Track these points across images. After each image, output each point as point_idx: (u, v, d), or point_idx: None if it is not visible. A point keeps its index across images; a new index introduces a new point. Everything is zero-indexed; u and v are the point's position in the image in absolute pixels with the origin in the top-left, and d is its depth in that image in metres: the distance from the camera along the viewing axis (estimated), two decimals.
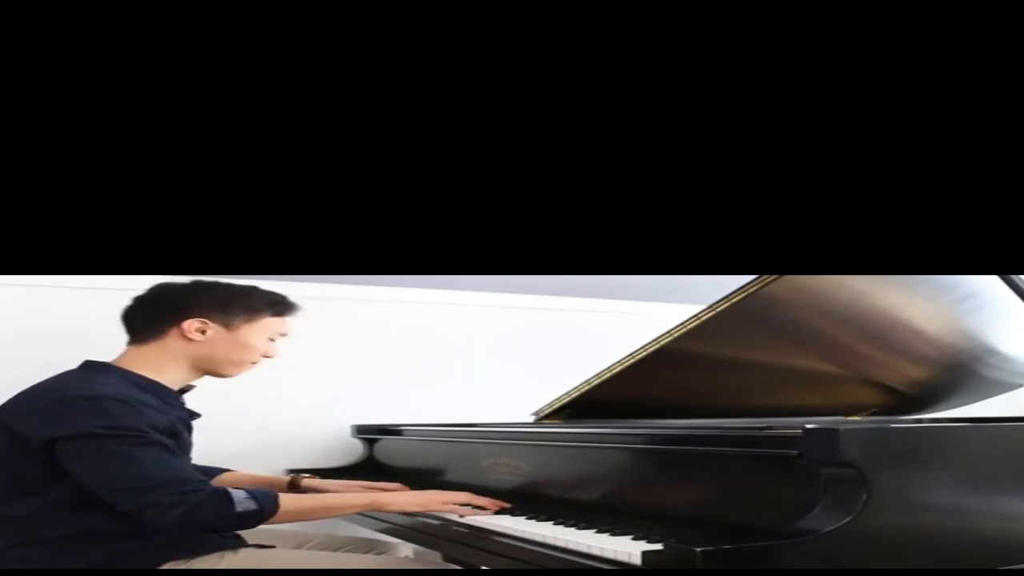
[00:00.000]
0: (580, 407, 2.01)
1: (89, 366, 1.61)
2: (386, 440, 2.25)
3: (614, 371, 1.88)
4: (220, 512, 1.44)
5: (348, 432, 2.33)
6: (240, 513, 1.45)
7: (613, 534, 1.28)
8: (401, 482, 2.00)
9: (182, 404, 1.68)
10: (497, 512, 1.56)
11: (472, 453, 1.84)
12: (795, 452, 1.16)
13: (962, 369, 2.07)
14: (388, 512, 1.72)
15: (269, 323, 1.72)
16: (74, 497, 1.46)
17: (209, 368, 1.69)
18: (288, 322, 1.77)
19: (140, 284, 2.19)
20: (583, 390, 1.97)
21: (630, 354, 1.85)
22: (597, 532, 1.30)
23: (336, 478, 2.09)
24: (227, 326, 1.67)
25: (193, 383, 1.72)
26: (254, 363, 1.74)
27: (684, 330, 1.73)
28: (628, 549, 1.16)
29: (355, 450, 2.34)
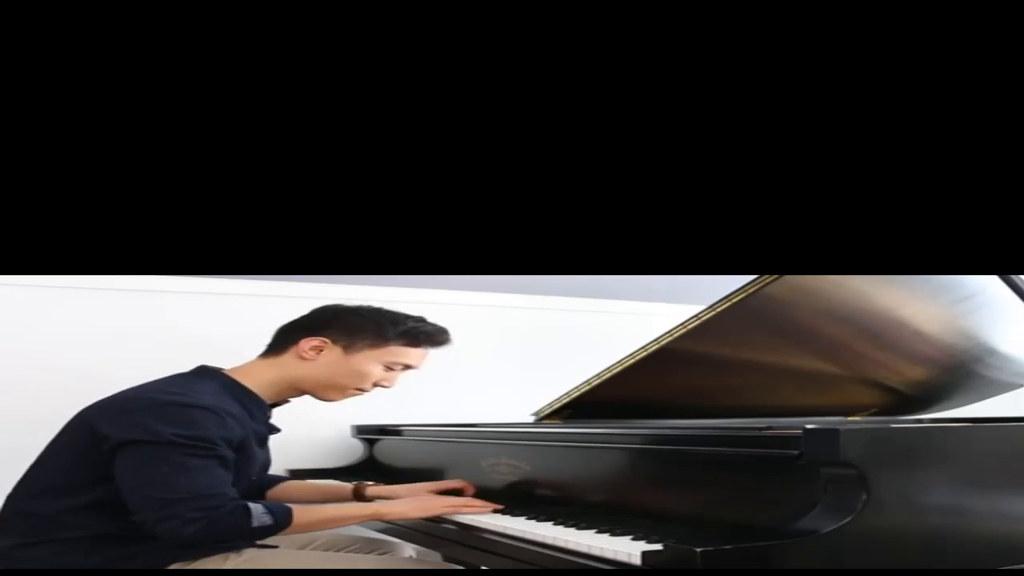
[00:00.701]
0: (580, 407, 2.01)
1: (200, 371, 1.64)
2: (386, 440, 2.25)
3: (614, 371, 1.88)
4: (237, 527, 1.45)
5: (348, 432, 2.33)
6: (256, 528, 1.46)
7: (613, 534, 1.28)
8: (403, 483, 2.01)
9: (268, 418, 1.69)
10: (497, 512, 1.56)
11: (472, 453, 1.84)
12: (795, 452, 1.16)
13: (962, 369, 2.07)
14: (391, 520, 1.74)
15: (396, 351, 1.72)
16: (98, 502, 1.47)
17: (311, 389, 1.71)
18: (423, 353, 1.76)
19: (140, 284, 2.21)
20: (583, 390, 1.97)
21: (630, 354, 1.85)
22: (597, 532, 1.30)
23: (336, 478, 2.10)
24: (347, 349, 1.67)
25: (290, 399, 1.74)
26: (361, 390, 1.74)
27: (684, 330, 1.73)
28: (628, 549, 1.16)
29: (355, 450, 2.34)
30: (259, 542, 1.63)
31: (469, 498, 1.65)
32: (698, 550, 1.03)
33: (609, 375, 1.89)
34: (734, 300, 1.64)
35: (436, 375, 2.48)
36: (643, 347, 1.82)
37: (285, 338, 1.71)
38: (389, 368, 1.73)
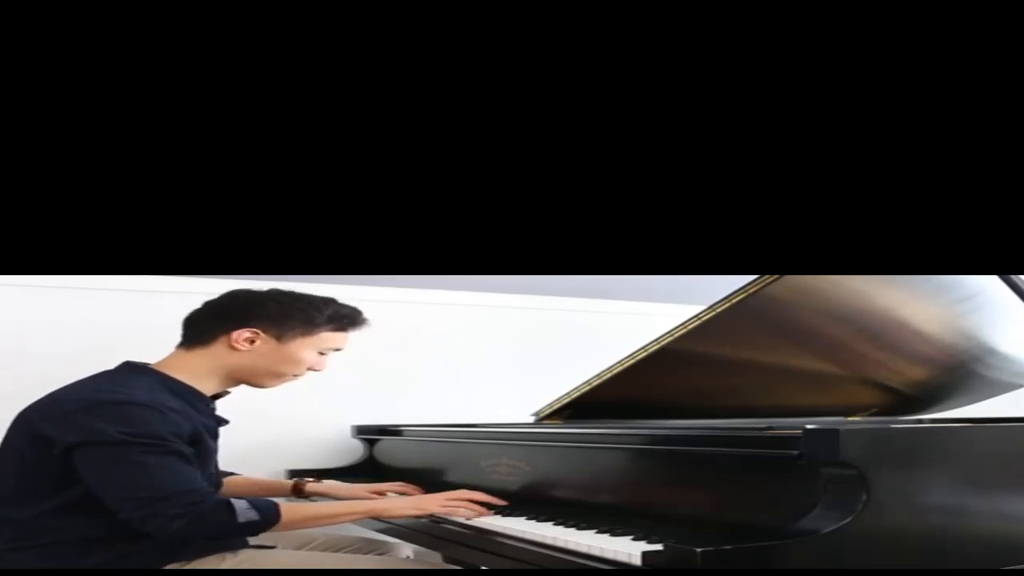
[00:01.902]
0: (580, 407, 2.01)
1: (127, 368, 1.61)
2: (386, 440, 2.25)
3: (614, 371, 1.88)
4: (223, 523, 1.44)
5: (348, 432, 2.33)
6: (243, 524, 1.45)
7: (613, 534, 1.28)
8: (402, 482, 2.01)
9: (212, 411, 1.67)
10: (497, 512, 1.56)
11: (472, 453, 1.84)
12: (795, 452, 1.16)
13: (962, 369, 2.07)
14: (387, 518, 1.73)
15: (326, 337, 1.71)
16: (76, 503, 1.46)
17: (247, 378, 1.69)
18: (348, 337, 1.76)
19: (140, 284, 2.21)
20: (583, 390, 1.97)
21: (630, 354, 1.85)
22: (597, 532, 1.30)
23: (336, 478, 2.10)
24: (279, 338, 1.66)
25: (229, 390, 1.72)
26: (296, 376, 1.73)
27: (684, 330, 1.73)
28: (628, 549, 1.16)
29: (355, 450, 2.34)
30: (256, 542, 1.63)
31: (466, 491, 1.65)
32: (698, 550, 1.03)
33: (609, 375, 1.89)
34: (734, 300, 1.64)
35: (436, 375, 2.49)
36: (643, 347, 1.82)
37: (205, 329, 1.65)
38: (322, 353, 1.73)
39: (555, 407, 2.04)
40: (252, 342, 1.64)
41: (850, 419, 2.23)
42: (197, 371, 1.63)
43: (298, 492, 1.94)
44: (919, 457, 1.19)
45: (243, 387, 1.97)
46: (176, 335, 2.30)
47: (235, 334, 1.63)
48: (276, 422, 2.27)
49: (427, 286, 2.49)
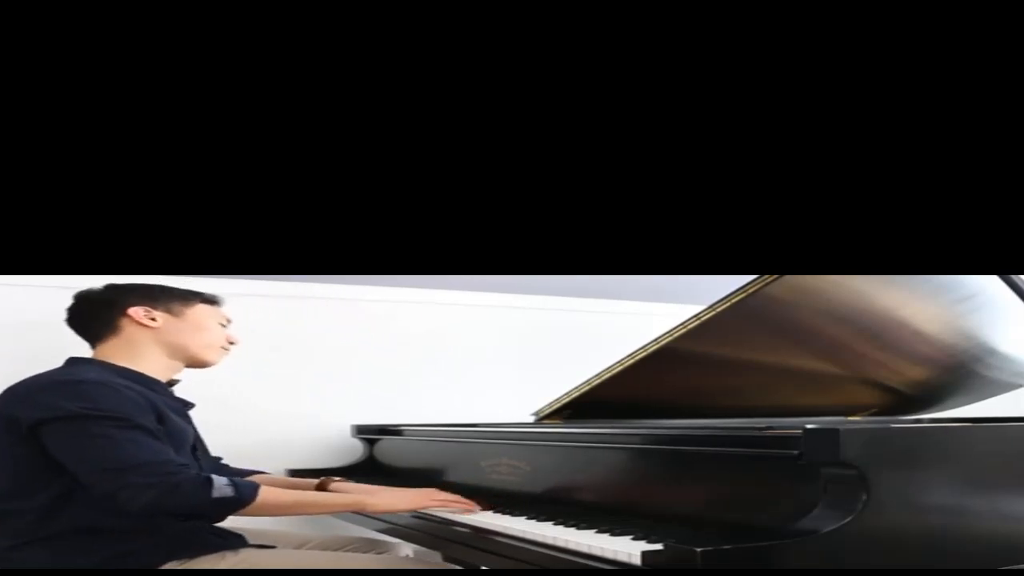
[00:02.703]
0: (580, 407, 2.01)
1: (74, 361, 1.64)
2: (386, 440, 2.25)
3: (614, 371, 1.88)
4: (197, 497, 1.43)
5: (348, 432, 2.33)
6: (217, 499, 1.43)
7: (613, 534, 1.28)
8: (402, 482, 2.00)
9: (170, 393, 1.68)
10: (497, 511, 1.56)
11: (472, 453, 1.84)
12: (795, 452, 1.16)
13: (962, 369, 2.07)
14: (374, 513, 1.72)
15: (206, 310, 1.75)
16: (70, 493, 1.46)
17: (183, 355, 1.71)
18: (225, 311, 1.80)
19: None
20: (583, 390, 1.97)
21: (630, 354, 1.85)
22: (597, 532, 1.30)
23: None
24: (169, 311, 1.69)
25: (177, 377, 1.73)
26: (224, 348, 1.76)
27: (684, 330, 1.73)
28: (628, 549, 1.16)
29: (355, 450, 2.34)
30: (256, 542, 1.63)
31: (457, 496, 1.64)
32: (698, 550, 1.03)
33: (609, 375, 1.89)
34: (734, 300, 1.64)
35: (436, 375, 2.49)
36: (643, 347, 1.82)
37: (101, 319, 1.67)
38: (221, 324, 1.77)
39: (555, 407, 2.04)
40: (152, 319, 1.66)
41: (850, 419, 2.23)
42: (129, 355, 1.64)
43: (322, 489, 1.92)
44: (919, 457, 1.19)
45: (243, 387, 1.98)
46: None
47: (131, 311, 1.65)
48: (276, 422, 2.28)
49: (427, 286, 2.49)
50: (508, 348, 2.61)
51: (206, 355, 1.74)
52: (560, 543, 1.28)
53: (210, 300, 1.78)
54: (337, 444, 2.34)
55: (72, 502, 1.47)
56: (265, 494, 1.49)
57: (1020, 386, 2.23)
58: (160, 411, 1.55)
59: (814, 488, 1.15)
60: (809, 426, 1.15)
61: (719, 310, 1.66)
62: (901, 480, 1.16)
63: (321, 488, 1.88)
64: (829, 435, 1.12)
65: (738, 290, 1.64)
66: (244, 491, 1.46)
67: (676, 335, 1.75)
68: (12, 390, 1.54)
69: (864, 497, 1.11)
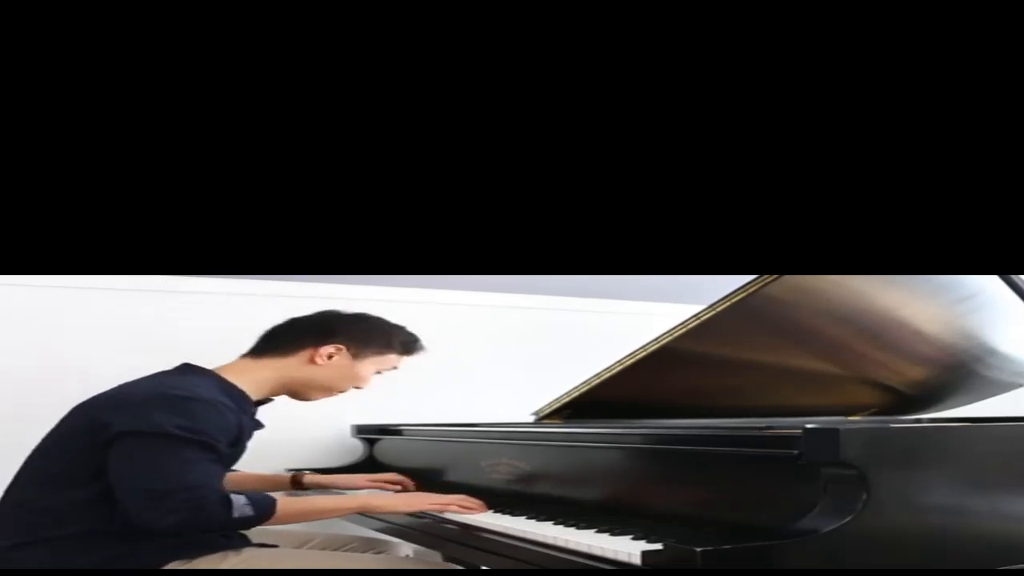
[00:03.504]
0: (580, 407, 2.01)
1: (189, 369, 1.65)
2: (386, 440, 2.25)
3: (614, 371, 1.88)
4: (218, 518, 1.45)
5: (348, 432, 2.33)
6: (236, 519, 1.46)
7: (613, 534, 1.28)
8: (394, 473, 2.01)
9: (254, 414, 1.71)
10: (497, 511, 1.56)
11: (472, 453, 1.84)
12: (795, 452, 1.16)
13: (962, 369, 2.07)
14: (379, 514, 1.76)
15: (391, 359, 1.79)
16: (101, 494, 1.47)
17: (301, 391, 1.74)
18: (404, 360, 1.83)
19: (140, 284, 2.21)
20: (583, 390, 1.97)
21: (630, 354, 1.85)
22: (597, 532, 1.30)
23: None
24: (355, 355, 1.73)
25: (272, 397, 1.76)
26: (342, 391, 1.79)
27: (684, 330, 1.73)
28: (628, 549, 1.16)
29: (355, 450, 2.34)
30: (258, 541, 1.64)
31: (461, 496, 1.65)
32: (698, 550, 1.03)
33: (609, 375, 1.89)
34: (734, 300, 1.64)
35: (436, 375, 2.49)
36: (643, 347, 1.82)
37: (287, 340, 1.72)
38: (378, 372, 1.79)
39: (555, 407, 2.04)
40: (331, 357, 1.70)
41: (850, 419, 2.22)
42: (255, 377, 1.68)
43: (296, 484, 1.97)
44: (919, 457, 1.19)
45: None
46: (176, 334, 2.30)
47: (323, 348, 1.70)
48: (276, 422, 2.26)
49: (427, 286, 2.49)
50: (508, 348, 2.60)
51: (315, 396, 1.77)
52: (560, 543, 1.28)
53: (410, 351, 1.81)
54: (337, 444, 2.34)
55: (93, 506, 1.47)
56: (281, 506, 1.52)
57: (1020, 386, 2.23)
58: (240, 434, 1.58)
59: (814, 488, 1.15)
60: (809, 426, 1.15)
61: (719, 310, 1.66)
62: (901, 480, 1.16)
63: (295, 482, 1.96)
64: (829, 435, 1.12)
65: (738, 290, 1.64)
66: (261, 509, 1.49)
67: (676, 335, 1.75)
68: (113, 397, 1.55)
69: (864, 497, 1.11)
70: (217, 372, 1.66)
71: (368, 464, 2.28)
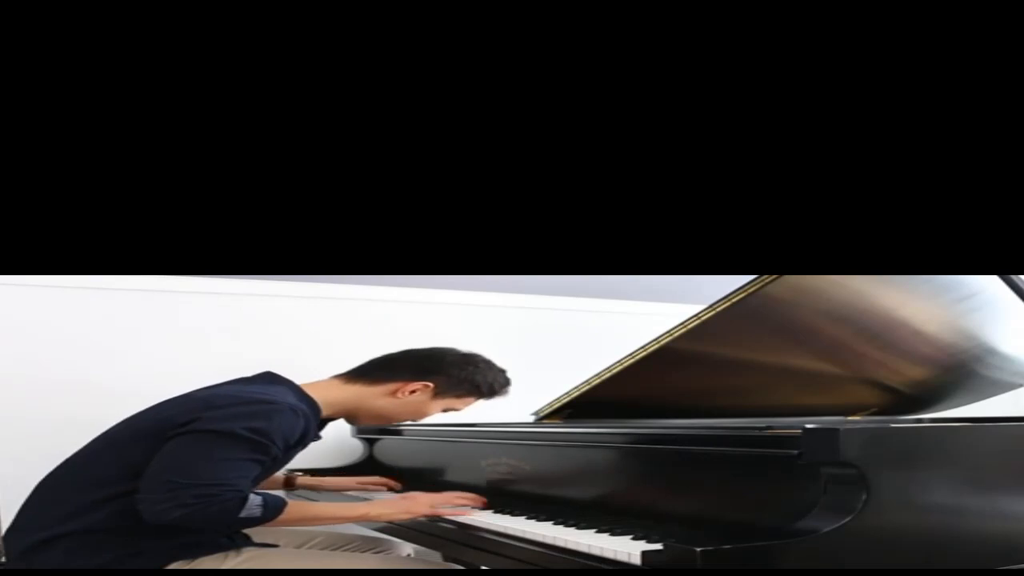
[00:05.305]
0: (580, 407, 2.01)
1: (272, 378, 1.67)
2: (386, 440, 2.25)
3: (614, 371, 1.88)
4: (226, 516, 1.45)
5: (348, 432, 2.33)
6: (243, 518, 1.46)
7: (613, 534, 1.28)
8: (400, 482, 2.01)
9: (319, 428, 1.72)
10: (497, 511, 1.56)
11: (472, 453, 1.84)
12: (795, 452, 1.16)
13: (962, 369, 2.07)
14: (379, 522, 1.77)
15: (468, 402, 1.80)
16: (128, 495, 1.47)
17: (366, 417, 1.76)
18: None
19: (141, 284, 2.21)
20: (583, 390, 1.97)
21: (630, 354, 1.85)
22: (597, 532, 1.30)
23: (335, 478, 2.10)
24: (436, 394, 1.74)
25: (336, 418, 1.77)
26: (398, 423, 1.83)
27: (684, 330, 1.73)
28: (628, 549, 1.17)
29: (355, 450, 2.34)
30: (259, 541, 1.64)
31: (457, 493, 1.67)
32: (698, 550, 1.03)
33: (609, 375, 1.89)
34: (734, 300, 1.64)
35: None
36: (643, 347, 1.82)
37: (387, 370, 1.73)
38: (445, 411, 1.81)
39: (555, 407, 2.05)
40: (413, 392, 1.72)
41: (850, 419, 2.23)
42: (334, 396, 1.70)
43: (289, 485, 1.98)
44: (919, 457, 1.20)
45: None
46: (176, 335, 2.30)
47: (412, 385, 1.72)
48: None
49: (427, 286, 2.49)
50: (508, 348, 2.60)
51: (373, 424, 1.81)
52: (560, 543, 1.29)
53: (489, 397, 1.81)
54: (337, 444, 2.34)
55: (118, 500, 1.47)
56: (289, 511, 1.52)
57: (1020, 386, 2.23)
58: (300, 442, 1.60)
59: (814, 488, 1.15)
60: (809, 426, 1.16)
61: (719, 310, 1.66)
62: (901, 480, 1.16)
63: (288, 484, 1.97)
64: (829, 435, 1.12)
65: (738, 290, 1.64)
66: (270, 512, 1.49)
67: (676, 335, 1.75)
68: (198, 400, 1.55)
69: (864, 497, 1.11)
70: (304, 387, 1.68)
71: (368, 464, 2.28)
